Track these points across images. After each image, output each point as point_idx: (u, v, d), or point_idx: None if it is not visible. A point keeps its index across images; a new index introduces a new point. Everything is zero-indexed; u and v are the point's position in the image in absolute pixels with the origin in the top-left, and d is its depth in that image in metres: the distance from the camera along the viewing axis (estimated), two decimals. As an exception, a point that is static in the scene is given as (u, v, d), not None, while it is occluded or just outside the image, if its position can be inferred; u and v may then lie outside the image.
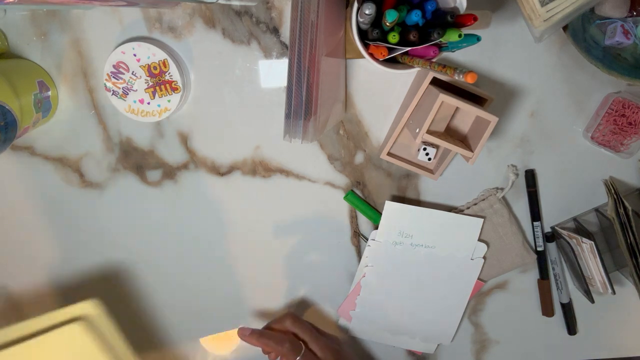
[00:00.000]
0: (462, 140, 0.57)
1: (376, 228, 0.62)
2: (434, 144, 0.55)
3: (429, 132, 0.51)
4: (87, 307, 0.52)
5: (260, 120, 0.60)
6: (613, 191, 0.58)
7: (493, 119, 0.50)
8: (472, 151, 0.52)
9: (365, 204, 0.62)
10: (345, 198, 0.62)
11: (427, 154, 0.55)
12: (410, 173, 0.62)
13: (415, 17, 0.45)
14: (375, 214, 0.62)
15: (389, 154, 0.57)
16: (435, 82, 0.53)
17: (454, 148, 0.52)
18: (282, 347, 0.55)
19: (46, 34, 0.56)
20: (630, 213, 0.56)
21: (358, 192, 0.63)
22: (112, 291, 0.66)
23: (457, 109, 0.56)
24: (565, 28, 0.52)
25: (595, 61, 0.52)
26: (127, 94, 0.55)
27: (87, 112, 0.59)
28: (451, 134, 0.57)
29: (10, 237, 0.63)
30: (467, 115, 0.57)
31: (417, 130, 0.51)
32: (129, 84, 0.55)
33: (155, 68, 0.54)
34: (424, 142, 0.55)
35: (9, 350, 0.49)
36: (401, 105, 0.59)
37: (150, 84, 0.55)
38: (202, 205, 0.63)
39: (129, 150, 0.60)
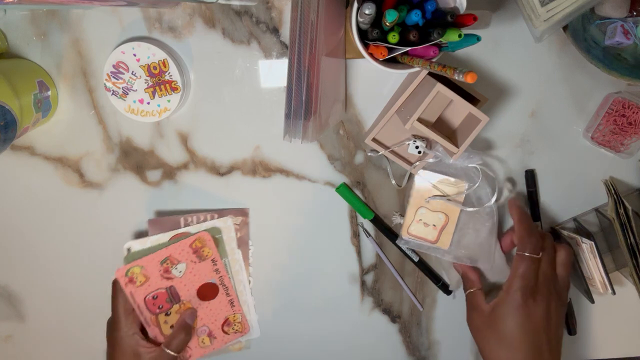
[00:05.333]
0: (449, 135, 0.56)
1: (371, 221, 0.62)
2: (424, 137, 0.55)
3: (419, 120, 0.51)
4: None
5: (260, 120, 0.59)
6: (613, 191, 0.58)
7: (484, 118, 0.50)
8: (458, 147, 0.52)
9: (355, 198, 0.62)
10: (337, 190, 0.62)
11: (417, 147, 0.55)
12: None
13: (415, 17, 0.45)
14: (365, 208, 0.62)
15: (374, 140, 0.56)
16: (432, 77, 0.53)
17: (441, 141, 0.52)
18: (536, 239, 0.55)
19: (46, 34, 0.56)
20: (630, 213, 0.56)
21: (358, 191, 0.62)
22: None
23: (449, 105, 0.56)
24: (565, 28, 0.52)
25: (595, 61, 0.52)
26: (127, 94, 0.55)
27: (87, 112, 0.59)
28: (440, 129, 0.57)
29: (10, 237, 0.63)
30: (459, 111, 0.56)
31: (408, 117, 0.51)
32: (129, 83, 0.55)
33: (155, 68, 0.54)
34: (414, 136, 0.55)
35: None
36: (393, 95, 0.59)
37: (150, 83, 0.55)
38: (202, 205, 0.63)
39: (128, 150, 0.60)
